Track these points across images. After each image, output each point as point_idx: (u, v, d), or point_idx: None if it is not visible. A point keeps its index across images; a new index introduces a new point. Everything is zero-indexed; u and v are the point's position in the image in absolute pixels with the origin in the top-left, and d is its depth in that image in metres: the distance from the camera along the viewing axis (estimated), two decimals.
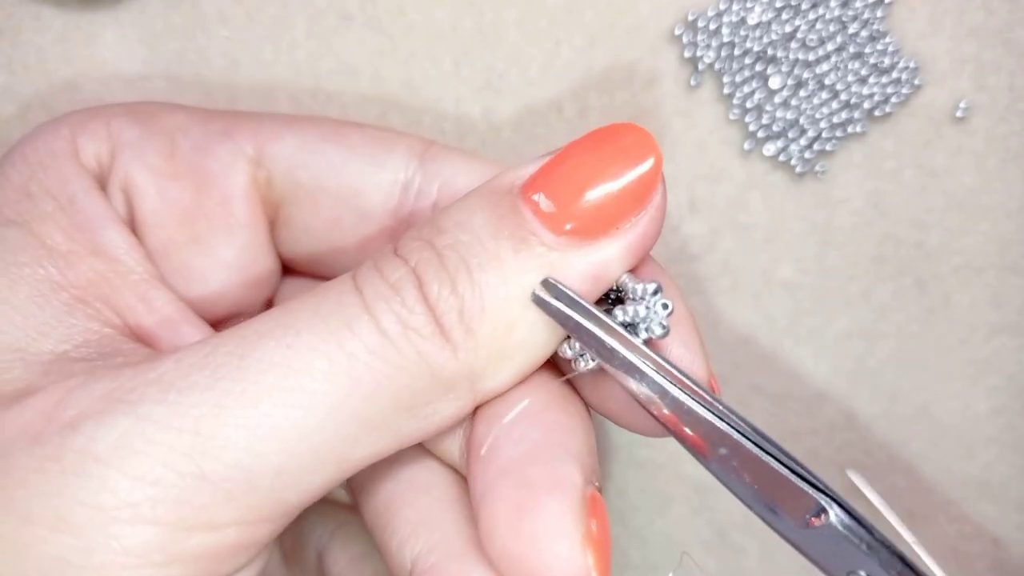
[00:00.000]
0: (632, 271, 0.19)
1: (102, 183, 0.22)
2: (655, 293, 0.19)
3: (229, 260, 0.23)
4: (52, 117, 0.27)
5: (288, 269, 0.24)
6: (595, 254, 0.18)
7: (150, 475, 0.16)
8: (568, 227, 0.18)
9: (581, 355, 0.19)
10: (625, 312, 0.19)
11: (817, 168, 0.27)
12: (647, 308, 0.19)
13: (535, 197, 0.18)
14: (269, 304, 0.25)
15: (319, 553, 0.25)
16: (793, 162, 0.27)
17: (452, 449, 0.21)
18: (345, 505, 0.25)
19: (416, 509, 0.21)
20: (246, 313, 0.24)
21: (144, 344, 0.21)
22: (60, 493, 0.16)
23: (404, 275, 0.18)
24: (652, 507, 0.30)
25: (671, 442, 0.30)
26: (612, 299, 0.20)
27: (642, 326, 0.19)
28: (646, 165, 0.18)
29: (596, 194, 0.18)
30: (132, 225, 0.22)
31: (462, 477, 0.21)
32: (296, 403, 0.17)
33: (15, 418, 0.17)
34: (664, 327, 0.19)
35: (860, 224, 0.27)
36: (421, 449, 0.22)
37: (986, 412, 0.28)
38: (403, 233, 0.19)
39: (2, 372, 0.18)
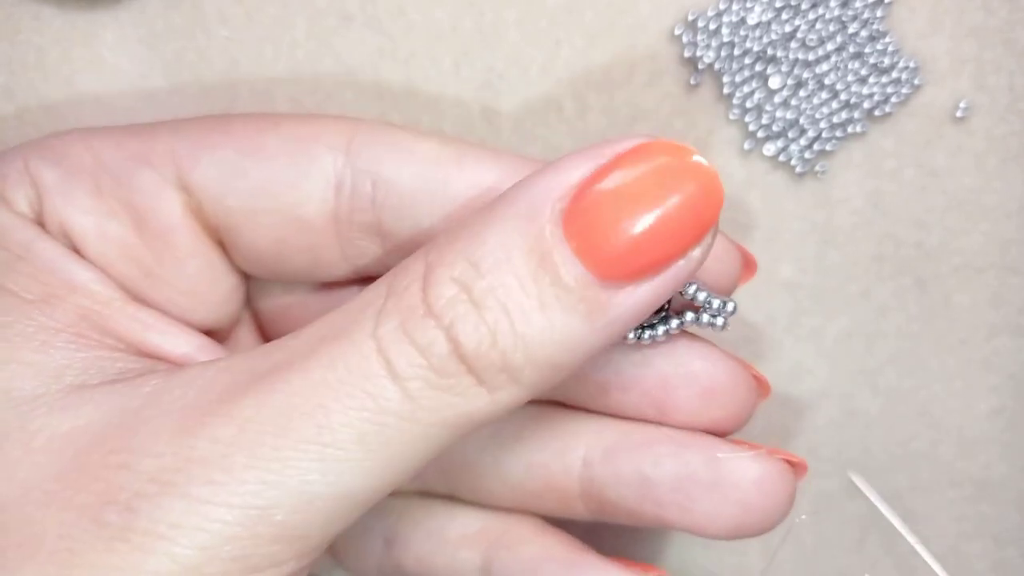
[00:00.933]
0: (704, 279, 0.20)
1: (40, 228, 0.22)
2: (733, 311, 0.20)
3: (185, 289, 0.23)
4: (51, 117, 0.27)
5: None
6: (640, 295, 0.18)
7: (210, 544, 0.17)
8: (610, 268, 0.17)
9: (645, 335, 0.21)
10: (698, 321, 0.20)
11: (817, 168, 0.27)
12: (713, 323, 0.20)
13: (582, 221, 0.17)
14: (238, 314, 0.24)
15: (387, 539, 0.25)
16: (793, 162, 0.27)
17: None
18: (405, 492, 0.26)
19: (551, 427, 0.22)
20: (217, 328, 0.24)
21: (151, 357, 0.21)
22: (133, 568, 0.17)
23: (435, 338, 0.18)
24: None
25: None
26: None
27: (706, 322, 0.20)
28: (706, 205, 0.17)
29: (646, 231, 0.17)
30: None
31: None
32: (333, 472, 0.18)
33: (70, 499, 0.18)
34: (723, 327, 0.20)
35: (860, 224, 0.27)
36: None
37: (986, 412, 0.28)
38: (436, 254, 0.18)
39: (28, 423, 0.19)
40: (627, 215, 0.17)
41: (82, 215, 0.22)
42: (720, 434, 0.22)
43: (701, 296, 0.20)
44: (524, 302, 0.17)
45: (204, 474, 0.18)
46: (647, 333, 0.21)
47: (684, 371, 0.22)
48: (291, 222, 0.22)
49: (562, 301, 0.17)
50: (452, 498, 0.25)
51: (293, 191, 0.22)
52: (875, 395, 0.29)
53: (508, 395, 0.18)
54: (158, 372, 0.19)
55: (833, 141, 0.26)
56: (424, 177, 0.21)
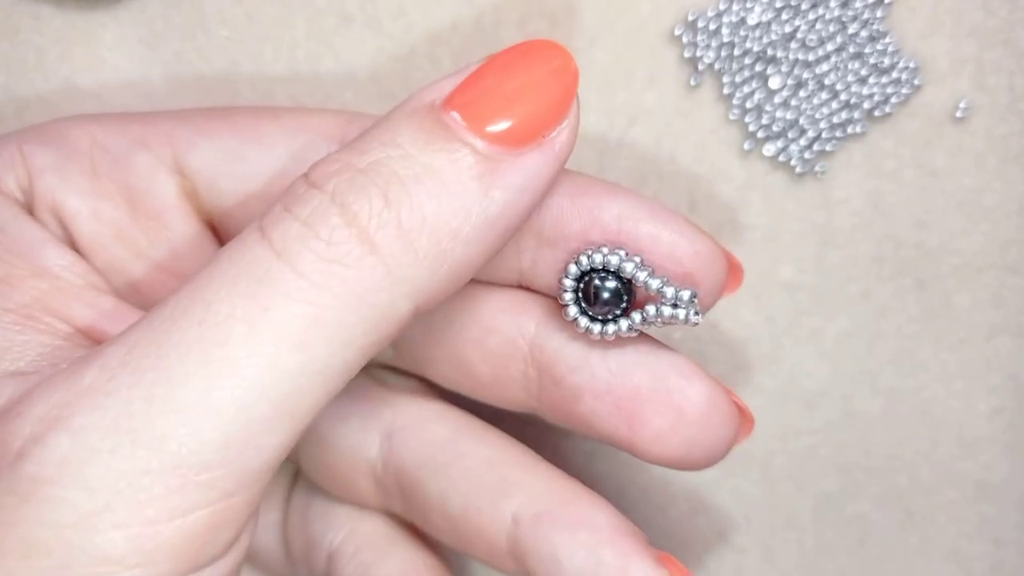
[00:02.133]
0: (665, 272, 0.20)
1: (28, 209, 0.22)
2: (691, 300, 0.20)
3: (176, 270, 0.22)
4: (51, 117, 0.27)
5: None
6: (526, 163, 0.18)
7: (100, 482, 0.16)
8: (493, 137, 0.18)
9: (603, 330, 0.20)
10: (659, 315, 0.20)
11: (817, 168, 0.27)
12: (675, 314, 0.20)
13: (464, 100, 0.18)
14: None
15: (329, 555, 0.25)
16: (793, 162, 0.27)
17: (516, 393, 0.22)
18: (358, 509, 0.25)
19: (499, 474, 0.21)
20: None
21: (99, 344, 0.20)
22: (23, 521, 0.16)
23: (319, 204, 0.17)
24: (652, 507, 0.30)
25: None
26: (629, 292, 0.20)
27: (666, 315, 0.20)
28: (565, 76, 0.18)
29: (520, 104, 0.18)
30: (73, 247, 0.22)
31: (526, 448, 0.22)
32: (223, 374, 0.16)
33: None
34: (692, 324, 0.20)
35: (860, 224, 0.27)
36: (487, 433, 0.23)
37: (986, 412, 0.28)
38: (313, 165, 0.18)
39: None
40: (498, 85, 0.18)
41: (76, 196, 0.21)
42: (691, 466, 0.21)
43: (654, 284, 0.20)
44: (414, 167, 0.17)
45: (90, 402, 0.16)
46: (610, 327, 0.20)
47: (659, 385, 0.21)
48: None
49: (455, 164, 0.18)
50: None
51: (287, 176, 0.22)
52: (875, 395, 0.29)
53: (407, 268, 0.17)
54: (69, 375, 0.18)
55: (833, 141, 0.26)
56: None
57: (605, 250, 0.20)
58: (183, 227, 0.22)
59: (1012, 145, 0.26)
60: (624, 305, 0.20)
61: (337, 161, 0.18)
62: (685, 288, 0.20)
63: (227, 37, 0.27)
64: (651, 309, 0.20)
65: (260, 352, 0.16)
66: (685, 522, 0.30)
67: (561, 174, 0.20)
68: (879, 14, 0.26)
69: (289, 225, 0.17)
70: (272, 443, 0.17)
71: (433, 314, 0.22)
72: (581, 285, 0.20)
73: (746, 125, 0.27)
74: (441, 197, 0.17)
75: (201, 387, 0.16)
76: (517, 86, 0.18)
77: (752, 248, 0.27)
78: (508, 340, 0.22)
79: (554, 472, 0.22)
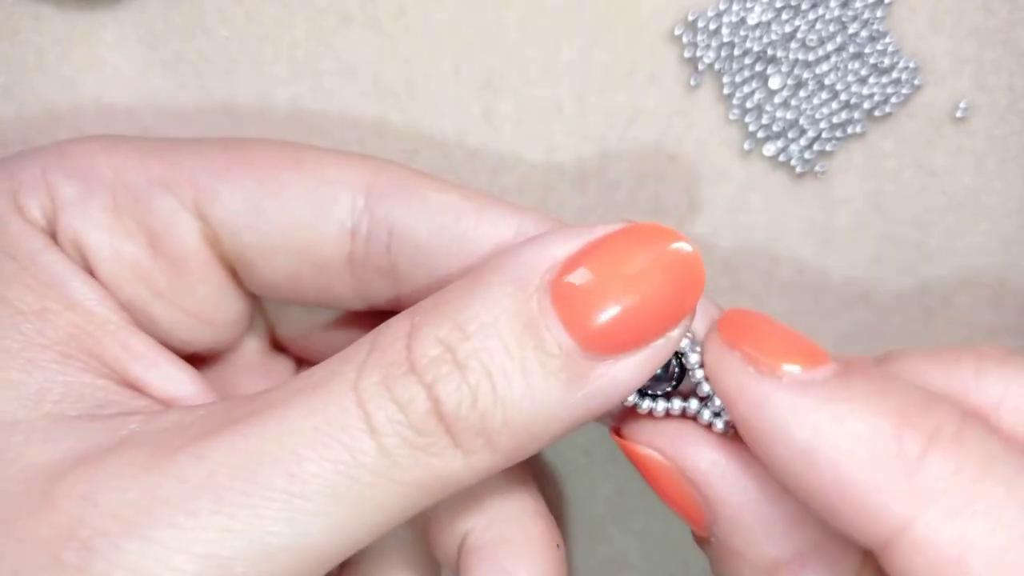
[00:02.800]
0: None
1: (52, 238, 0.22)
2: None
3: (193, 311, 0.23)
4: (51, 117, 0.27)
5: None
6: (621, 370, 0.18)
7: None
8: (593, 340, 0.18)
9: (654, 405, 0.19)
10: (699, 414, 0.19)
11: (817, 168, 0.27)
12: (713, 423, 0.19)
13: (570, 293, 0.17)
14: (243, 333, 0.24)
15: None
16: (793, 162, 0.27)
17: None
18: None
19: (474, 490, 0.21)
20: (219, 349, 0.24)
21: (133, 389, 0.21)
22: None
23: (415, 395, 0.18)
24: (651, 508, 0.30)
25: None
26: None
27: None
28: (689, 284, 0.18)
29: (630, 309, 0.17)
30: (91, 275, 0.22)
31: (519, 467, 0.22)
32: (301, 524, 0.17)
33: (31, 528, 0.17)
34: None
35: (860, 224, 0.27)
36: None
37: None
38: (421, 316, 0.18)
39: (4, 451, 0.18)
40: (612, 292, 0.17)
41: (97, 232, 0.22)
42: None
43: (706, 388, 0.19)
44: (507, 366, 0.18)
45: (168, 516, 0.17)
46: (646, 402, 0.19)
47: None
48: (306, 261, 0.22)
49: (544, 368, 0.18)
50: None
51: (310, 232, 0.22)
52: None
53: (482, 460, 0.18)
54: (138, 415, 0.19)
55: (833, 141, 0.26)
56: (441, 229, 0.21)
57: None
58: (203, 270, 0.22)
59: (1012, 145, 0.26)
60: (675, 383, 0.19)
61: (439, 344, 0.18)
62: None
63: (227, 37, 0.27)
64: (694, 404, 0.19)
65: (338, 517, 0.17)
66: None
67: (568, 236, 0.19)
68: (879, 14, 0.26)
69: (386, 405, 0.18)
70: (322, 572, 0.18)
71: None
72: None
73: (746, 125, 0.27)
74: (525, 402, 0.18)
75: (280, 531, 0.17)
76: (628, 289, 0.17)
77: (752, 248, 0.28)
78: None
79: (527, 501, 0.22)
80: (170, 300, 0.22)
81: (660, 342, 0.18)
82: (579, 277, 0.18)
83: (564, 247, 0.18)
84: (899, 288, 0.28)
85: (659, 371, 0.19)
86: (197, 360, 0.24)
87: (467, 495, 0.21)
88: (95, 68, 0.27)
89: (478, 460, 0.18)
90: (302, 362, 0.26)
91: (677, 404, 0.19)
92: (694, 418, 0.19)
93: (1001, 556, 0.16)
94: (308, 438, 0.18)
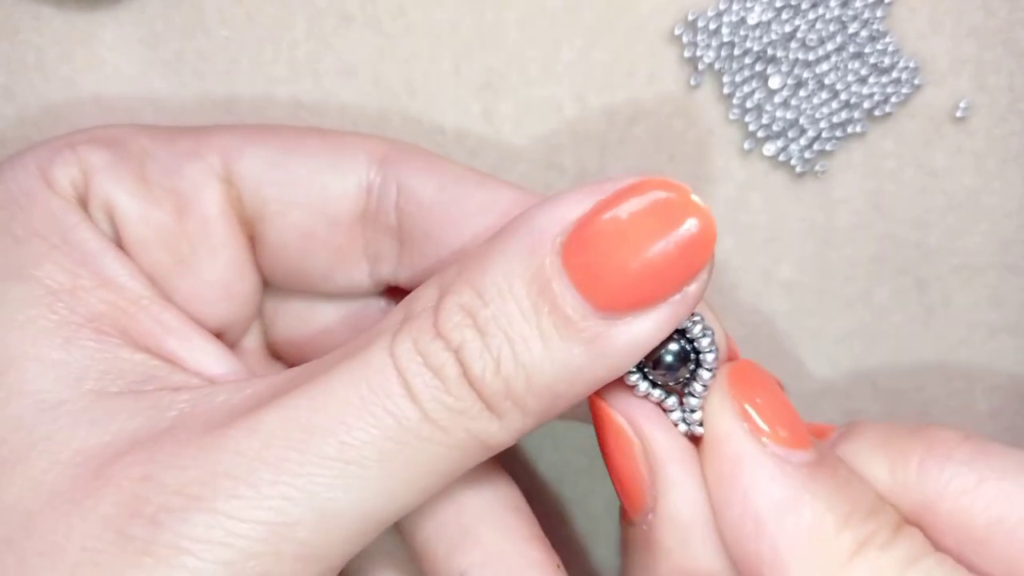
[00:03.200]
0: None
1: (83, 208, 0.22)
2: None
3: (213, 280, 0.23)
4: (51, 117, 0.27)
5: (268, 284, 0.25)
6: (638, 328, 0.18)
7: (234, 560, 0.18)
8: (608, 300, 0.18)
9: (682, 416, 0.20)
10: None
11: (817, 168, 0.27)
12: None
13: (582, 255, 0.18)
14: (250, 320, 0.25)
15: None
16: (793, 162, 0.27)
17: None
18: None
19: (463, 521, 0.22)
20: (229, 330, 0.24)
21: (168, 362, 0.21)
22: None
23: (446, 360, 0.18)
24: None
25: None
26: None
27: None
28: (700, 244, 0.18)
29: (644, 266, 0.18)
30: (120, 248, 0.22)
31: (506, 484, 0.23)
32: (354, 487, 0.18)
33: (94, 508, 0.18)
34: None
35: (860, 224, 0.27)
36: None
37: (986, 412, 0.28)
38: (449, 281, 0.19)
39: (55, 433, 0.19)
40: (625, 250, 0.18)
41: (128, 197, 0.22)
42: None
43: (706, 376, 0.20)
44: (525, 331, 0.18)
45: (231, 488, 0.18)
46: (634, 376, 0.20)
47: None
48: (322, 217, 0.23)
49: (561, 331, 0.18)
50: None
51: (329, 187, 0.23)
52: (875, 395, 0.29)
53: (515, 422, 0.19)
54: (183, 392, 0.20)
55: (833, 141, 0.27)
56: (444, 191, 0.22)
57: None
58: (225, 236, 0.23)
59: (1012, 145, 0.26)
60: (692, 367, 0.20)
61: (460, 310, 0.18)
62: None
63: (227, 37, 0.27)
64: (673, 405, 0.20)
65: (389, 481, 0.18)
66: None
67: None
68: (879, 14, 0.26)
69: (423, 372, 0.18)
70: (374, 536, 0.19)
71: None
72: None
73: (746, 125, 0.27)
74: (546, 364, 0.18)
75: (337, 496, 0.18)
76: (639, 248, 0.18)
77: (752, 247, 0.28)
78: None
79: (520, 527, 0.22)
80: (192, 267, 0.23)
81: (677, 297, 0.18)
82: (588, 241, 0.18)
83: (576, 208, 0.18)
84: (899, 288, 0.28)
85: (673, 361, 0.19)
86: None
87: (458, 529, 0.22)
88: (95, 68, 0.27)
89: (511, 422, 0.19)
90: None
91: (658, 393, 0.20)
92: (665, 408, 0.20)
93: None
94: (355, 407, 0.18)
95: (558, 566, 0.22)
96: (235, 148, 0.23)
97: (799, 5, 0.26)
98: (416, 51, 0.26)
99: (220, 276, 0.23)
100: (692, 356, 0.19)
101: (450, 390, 0.18)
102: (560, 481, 0.30)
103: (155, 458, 0.18)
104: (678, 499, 0.20)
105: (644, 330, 0.18)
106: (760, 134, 0.27)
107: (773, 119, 0.26)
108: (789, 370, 0.28)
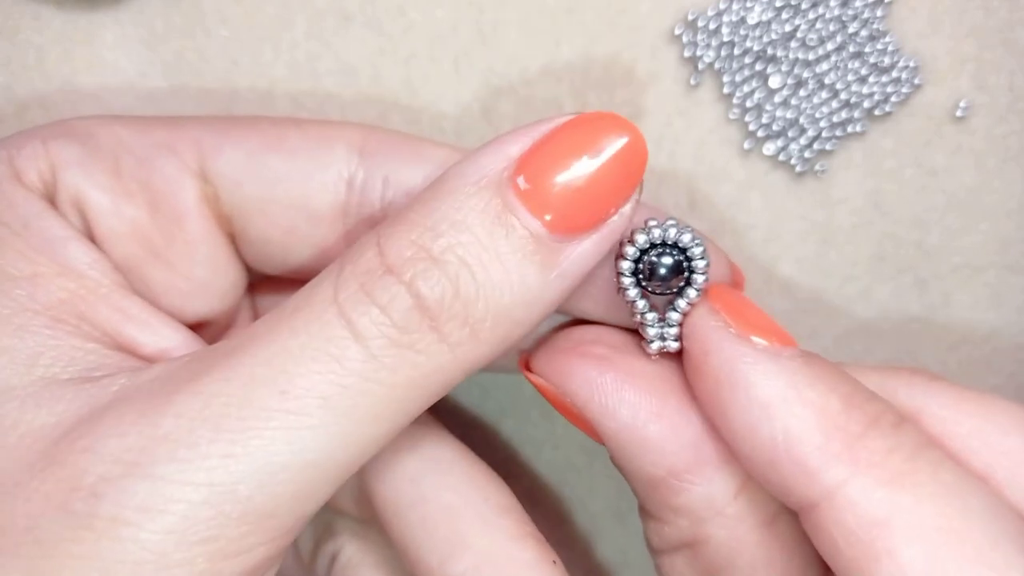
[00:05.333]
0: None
1: (50, 201, 0.22)
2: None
3: (190, 274, 0.23)
4: (51, 116, 0.27)
5: (256, 271, 0.24)
6: (586, 247, 0.19)
7: (178, 527, 0.17)
8: (555, 221, 0.19)
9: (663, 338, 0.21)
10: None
11: (817, 167, 0.27)
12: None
13: (520, 183, 0.19)
14: (235, 311, 0.25)
15: (333, 556, 0.26)
16: (793, 161, 0.27)
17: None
18: (359, 522, 0.26)
19: (453, 527, 0.22)
20: (213, 320, 0.24)
21: (127, 351, 0.21)
22: (100, 557, 0.17)
23: (396, 294, 0.18)
24: None
25: None
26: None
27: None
28: (632, 159, 0.19)
29: (584, 190, 0.19)
30: (92, 241, 0.22)
31: (495, 485, 0.23)
32: (299, 439, 0.18)
33: (37, 487, 0.18)
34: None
35: (860, 223, 0.27)
36: (453, 470, 0.23)
37: None
38: (388, 228, 0.19)
39: (1, 417, 0.19)
40: (567, 174, 0.19)
41: (98, 191, 0.22)
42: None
43: (700, 280, 0.21)
44: (483, 255, 0.18)
45: (168, 452, 0.17)
46: (633, 291, 0.21)
47: None
48: (303, 214, 0.22)
49: (518, 253, 0.18)
50: None
51: (308, 183, 0.22)
52: None
53: (468, 351, 0.19)
54: (126, 371, 0.19)
55: (833, 140, 0.27)
56: (433, 178, 0.22)
57: (658, 225, 0.20)
58: (200, 231, 0.23)
59: (1012, 144, 0.26)
60: (683, 282, 0.21)
61: (412, 244, 0.18)
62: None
63: (227, 37, 0.27)
64: (652, 320, 0.21)
65: (335, 428, 0.18)
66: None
67: None
68: (879, 13, 0.26)
69: (369, 309, 0.18)
70: (327, 491, 0.19)
71: None
72: (638, 265, 0.21)
73: (746, 124, 0.27)
74: (505, 289, 0.18)
75: (278, 449, 0.18)
76: (581, 170, 0.19)
77: (752, 247, 0.28)
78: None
79: (510, 528, 0.22)
80: (167, 261, 0.23)
81: (615, 219, 0.19)
82: (535, 171, 0.19)
83: (517, 145, 0.19)
84: (899, 287, 0.28)
85: (667, 273, 0.20)
86: None
87: (449, 536, 0.22)
88: (95, 68, 0.27)
89: (464, 351, 0.18)
90: None
91: (642, 305, 0.21)
92: (644, 323, 0.21)
93: (923, 521, 0.17)
94: (295, 355, 0.18)
95: (554, 562, 0.22)
96: (212, 146, 0.22)
97: (799, 5, 0.26)
98: (416, 51, 0.26)
99: (197, 270, 0.23)
100: (685, 272, 0.20)
101: (398, 324, 0.18)
102: (560, 481, 0.30)
103: (95, 430, 0.18)
104: (607, 430, 0.21)
105: (587, 250, 0.19)
106: (760, 133, 0.27)
107: (773, 118, 0.26)
108: None
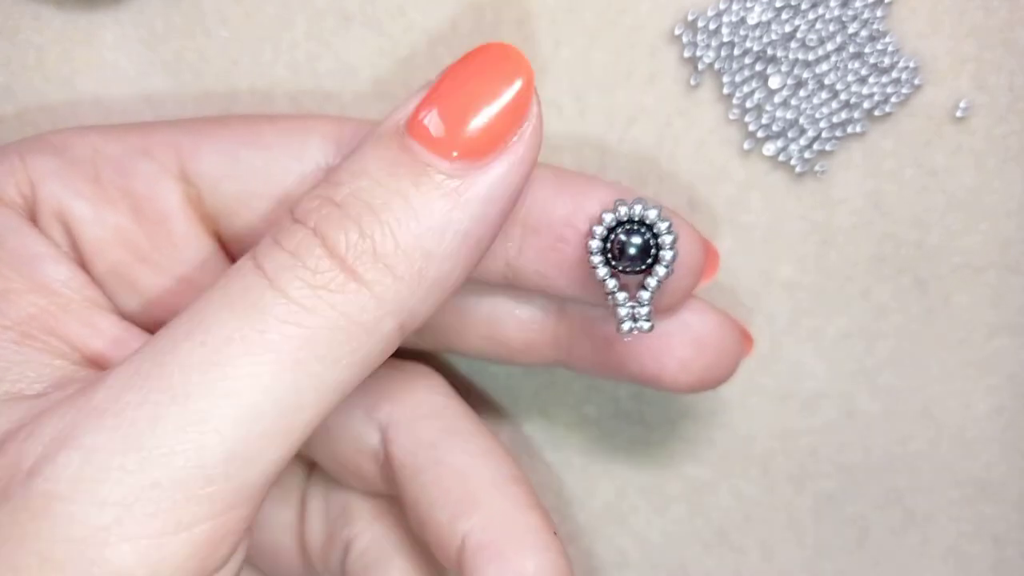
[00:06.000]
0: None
1: (31, 217, 0.22)
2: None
3: (179, 275, 0.23)
4: (51, 117, 0.27)
5: None
6: (491, 173, 0.19)
7: (111, 498, 0.17)
8: (456, 153, 0.19)
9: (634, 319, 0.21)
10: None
11: (817, 168, 0.27)
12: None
13: (424, 122, 0.19)
14: None
15: (347, 544, 0.26)
16: (793, 162, 0.27)
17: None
18: (376, 506, 0.26)
19: (466, 489, 0.22)
20: None
21: (97, 367, 0.21)
22: (36, 537, 0.17)
23: (303, 238, 0.18)
24: (651, 507, 0.30)
25: (671, 441, 0.30)
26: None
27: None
28: (518, 81, 0.19)
29: (477, 116, 0.19)
30: (77, 252, 0.22)
31: (508, 459, 0.24)
32: (224, 392, 0.17)
33: None
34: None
35: (860, 224, 0.27)
36: (470, 440, 0.23)
37: (986, 412, 0.28)
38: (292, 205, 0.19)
39: None
40: (454, 100, 0.19)
41: (79, 201, 0.22)
42: (708, 387, 0.24)
43: (668, 256, 0.21)
44: (383, 194, 0.18)
45: (97, 422, 0.17)
46: (603, 270, 0.21)
47: (678, 322, 0.23)
48: (285, 204, 0.22)
49: (420, 186, 0.19)
50: None
51: (287, 175, 0.22)
52: (875, 395, 0.29)
53: (387, 289, 0.18)
54: (77, 398, 0.19)
55: (833, 141, 0.27)
56: None
57: (624, 203, 0.21)
58: (186, 232, 0.23)
59: (1012, 144, 0.26)
60: (650, 260, 0.21)
61: (316, 197, 0.19)
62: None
63: (227, 37, 0.27)
64: (623, 300, 0.21)
65: (257, 371, 0.17)
66: (684, 522, 0.30)
67: (544, 168, 0.21)
68: (879, 14, 0.26)
69: (279, 255, 0.18)
70: (270, 457, 0.18)
71: (467, 294, 0.24)
72: (607, 245, 0.21)
73: (746, 125, 0.27)
74: (410, 221, 0.18)
75: (204, 405, 0.17)
76: (471, 98, 0.19)
77: (752, 247, 0.28)
78: (541, 306, 0.24)
79: (519, 495, 0.23)
80: (155, 264, 0.23)
81: (515, 139, 0.19)
82: (429, 117, 0.19)
83: (413, 100, 0.19)
84: (899, 287, 0.28)
85: (636, 252, 0.21)
86: None
87: (460, 497, 0.22)
88: (95, 68, 0.27)
89: (383, 289, 0.18)
90: None
91: (612, 284, 0.21)
92: (616, 303, 0.21)
93: None
94: (215, 306, 0.18)
95: (555, 533, 0.23)
96: (189, 148, 0.22)
97: (799, 5, 0.26)
98: (416, 51, 0.26)
99: (187, 272, 0.23)
100: (653, 252, 0.21)
101: (309, 266, 0.18)
102: (560, 481, 0.30)
103: (39, 419, 0.18)
104: None
105: (497, 175, 0.19)
106: (760, 134, 0.27)
107: (773, 119, 0.26)
108: (788, 370, 0.29)
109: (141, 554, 0.17)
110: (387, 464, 0.24)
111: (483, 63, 0.19)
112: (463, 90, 0.19)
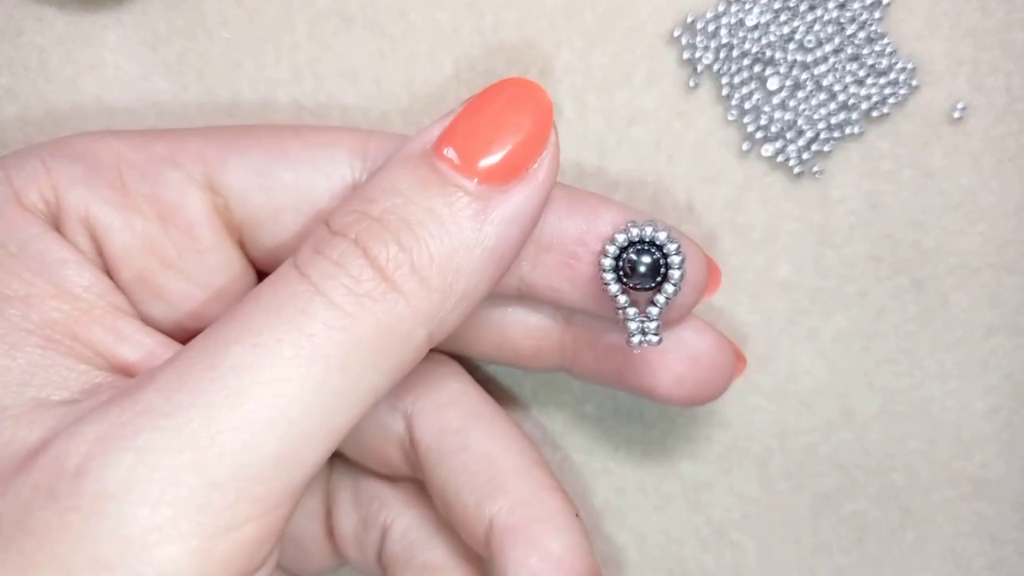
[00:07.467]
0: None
1: (54, 223, 0.22)
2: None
3: (204, 282, 0.23)
4: (53, 118, 0.27)
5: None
6: (515, 197, 0.20)
7: (164, 497, 0.17)
8: (481, 172, 0.20)
9: (643, 332, 0.22)
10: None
11: (815, 169, 0.27)
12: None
13: (447, 153, 0.20)
14: None
15: (383, 531, 0.26)
16: (791, 163, 0.27)
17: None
18: (410, 492, 0.26)
19: (491, 473, 0.23)
20: None
21: (121, 374, 0.21)
22: (88, 537, 0.17)
23: (346, 248, 0.19)
24: (650, 505, 0.30)
25: (669, 439, 0.30)
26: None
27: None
28: (538, 115, 0.20)
29: (497, 153, 0.20)
30: (103, 259, 0.22)
31: (530, 444, 0.25)
32: (276, 393, 0.18)
33: (24, 480, 0.18)
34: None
35: (857, 224, 0.27)
36: (494, 425, 0.24)
37: (983, 411, 0.29)
38: (333, 211, 0.20)
39: None
40: (479, 128, 0.20)
41: (106, 208, 0.22)
42: (700, 402, 0.25)
43: (676, 275, 0.22)
44: (417, 212, 0.20)
45: (149, 422, 0.17)
46: (614, 287, 0.22)
47: (677, 339, 0.24)
48: (313, 218, 0.23)
49: (451, 207, 0.20)
50: None
51: (315, 189, 0.23)
52: (872, 395, 0.29)
53: (424, 300, 0.19)
54: (123, 399, 0.19)
55: (831, 142, 0.27)
56: None
57: (636, 224, 0.22)
58: (213, 241, 0.23)
59: (1009, 146, 0.27)
60: (660, 279, 0.22)
61: (352, 212, 0.20)
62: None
63: (229, 39, 0.27)
64: (632, 315, 0.22)
65: (307, 374, 0.18)
66: (683, 520, 0.30)
67: (557, 187, 0.22)
68: (876, 15, 0.26)
69: (323, 264, 0.19)
70: (313, 458, 0.19)
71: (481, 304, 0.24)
72: (619, 263, 0.22)
73: (744, 126, 0.27)
74: (443, 237, 0.19)
75: (256, 405, 0.18)
76: (496, 128, 0.20)
77: (750, 248, 0.28)
78: (550, 315, 0.25)
79: (543, 478, 0.24)
80: (181, 271, 0.23)
81: (535, 166, 0.20)
82: (453, 157, 0.20)
83: (439, 126, 0.21)
84: (896, 288, 0.28)
85: (646, 270, 0.22)
86: None
87: (487, 480, 0.23)
88: (97, 70, 0.27)
89: (418, 300, 0.19)
90: None
91: (623, 300, 0.22)
92: (626, 317, 0.22)
93: None
94: (264, 311, 0.19)
95: (576, 515, 0.24)
96: (216, 158, 0.23)
97: (797, 7, 0.26)
98: (417, 53, 0.27)
99: (211, 278, 0.23)
100: (663, 270, 0.22)
101: (352, 275, 0.19)
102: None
103: (82, 418, 0.18)
104: None
105: (517, 197, 0.20)
106: (758, 135, 0.27)
107: (771, 120, 0.26)
108: (786, 370, 0.29)
109: (192, 554, 0.17)
110: (412, 450, 0.25)
111: (504, 96, 0.20)
112: (487, 119, 0.20)
